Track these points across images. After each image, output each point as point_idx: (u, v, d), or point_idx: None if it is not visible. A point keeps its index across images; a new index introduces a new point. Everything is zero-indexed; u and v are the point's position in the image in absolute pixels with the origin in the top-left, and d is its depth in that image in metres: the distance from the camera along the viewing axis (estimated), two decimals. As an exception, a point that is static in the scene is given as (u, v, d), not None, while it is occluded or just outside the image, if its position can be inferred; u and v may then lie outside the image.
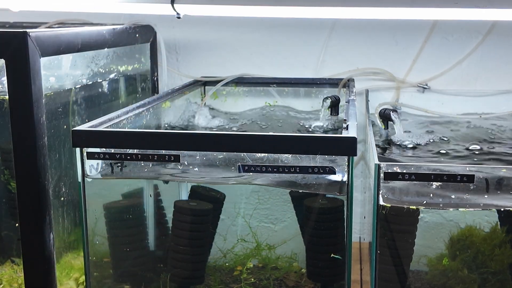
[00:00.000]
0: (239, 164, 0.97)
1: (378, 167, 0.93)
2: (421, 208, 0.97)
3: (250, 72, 1.62)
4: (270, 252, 1.20)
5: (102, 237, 1.14)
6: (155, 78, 1.61)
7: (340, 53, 1.61)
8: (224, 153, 0.98)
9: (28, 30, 1.04)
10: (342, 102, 1.37)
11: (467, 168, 0.92)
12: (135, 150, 0.99)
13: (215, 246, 1.20)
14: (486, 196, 0.93)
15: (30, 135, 1.06)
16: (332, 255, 1.03)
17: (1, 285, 1.25)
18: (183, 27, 1.66)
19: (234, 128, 1.43)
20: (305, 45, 1.62)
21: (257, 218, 1.19)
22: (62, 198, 1.20)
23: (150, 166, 1.03)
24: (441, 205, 0.95)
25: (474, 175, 0.92)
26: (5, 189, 1.31)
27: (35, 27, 1.49)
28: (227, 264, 1.22)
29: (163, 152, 0.98)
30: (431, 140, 1.25)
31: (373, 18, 1.51)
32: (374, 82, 1.59)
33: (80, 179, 1.02)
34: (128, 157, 1.00)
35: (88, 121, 1.06)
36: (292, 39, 1.62)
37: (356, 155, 0.94)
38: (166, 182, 1.18)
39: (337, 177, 0.96)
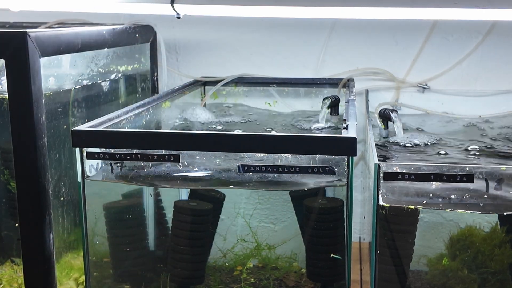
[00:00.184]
0: (239, 164, 0.97)
1: (378, 167, 0.93)
2: (421, 208, 0.97)
3: (250, 72, 1.62)
4: (270, 252, 1.20)
5: (102, 237, 1.14)
6: (155, 78, 1.61)
7: (340, 53, 1.61)
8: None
9: (28, 30, 1.04)
10: (342, 102, 1.37)
11: (467, 168, 0.92)
12: (135, 150, 0.99)
13: (215, 246, 1.20)
14: (486, 196, 0.93)
15: (30, 135, 1.06)
16: (332, 255, 1.03)
17: (1, 285, 1.25)
18: (183, 27, 1.66)
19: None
20: (305, 45, 1.62)
21: (257, 218, 1.19)
22: (62, 198, 1.20)
23: (150, 166, 1.03)
24: (441, 205, 0.95)
25: (474, 175, 0.92)
26: (5, 189, 1.31)
27: (35, 27, 1.49)
28: (227, 264, 1.22)
29: (163, 152, 0.98)
30: (431, 140, 1.25)
31: (373, 18, 1.51)
32: (374, 82, 1.59)
33: (80, 179, 1.02)
34: (128, 157, 1.00)
35: (88, 121, 1.06)
36: (292, 39, 1.62)
37: (356, 155, 0.94)
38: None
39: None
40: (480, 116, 1.50)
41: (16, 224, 1.11)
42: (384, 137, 1.27)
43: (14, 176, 1.09)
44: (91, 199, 1.05)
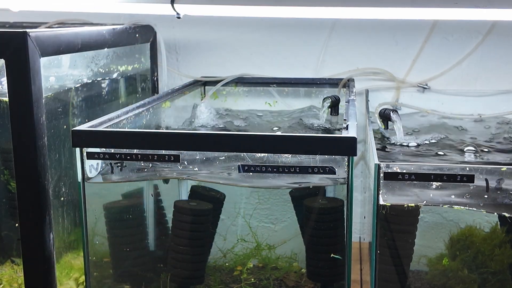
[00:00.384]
0: (239, 164, 0.97)
1: (378, 167, 0.93)
2: (421, 208, 0.97)
3: (250, 72, 1.62)
4: (270, 252, 1.20)
5: (102, 237, 1.14)
6: (155, 78, 1.61)
7: (340, 53, 1.61)
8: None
9: (28, 30, 1.04)
10: (342, 102, 1.37)
11: (467, 168, 0.92)
12: (135, 150, 0.99)
13: (215, 246, 1.20)
14: (486, 196, 0.93)
15: (30, 135, 1.06)
16: (332, 255, 1.03)
17: (1, 285, 1.25)
18: (183, 27, 1.66)
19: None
20: (305, 45, 1.62)
21: (257, 218, 1.19)
22: (62, 198, 1.20)
23: (150, 166, 1.03)
24: (441, 205, 0.95)
25: (474, 175, 0.92)
26: (5, 189, 1.31)
27: (35, 27, 1.49)
28: (227, 264, 1.22)
29: (163, 152, 0.98)
30: (431, 140, 1.25)
31: (373, 18, 1.51)
32: (374, 82, 1.59)
33: (80, 179, 1.02)
34: (128, 157, 1.00)
35: (88, 121, 1.06)
36: (292, 39, 1.62)
37: (356, 155, 0.94)
38: (166, 182, 1.18)
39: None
40: (480, 116, 1.51)
41: (16, 224, 1.11)
42: (384, 137, 1.27)
43: (14, 176, 1.08)
44: (91, 199, 1.05)
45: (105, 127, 1.05)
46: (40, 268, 1.11)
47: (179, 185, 1.20)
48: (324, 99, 1.37)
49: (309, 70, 1.63)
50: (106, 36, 1.31)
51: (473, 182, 0.92)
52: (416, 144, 1.22)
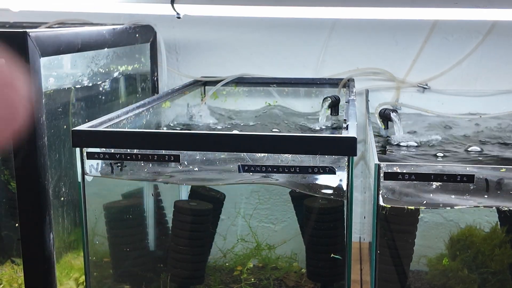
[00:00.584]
0: (239, 164, 0.97)
1: (378, 167, 0.93)
2: (421, 208, 0.97)
3: (250, 72, 1.62)
4: (270, 252, 1.20)
5: (102, 237, 1.14)
6: (155, 78, 1.61)
7: (340, 53, 1.61)
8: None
9: (28, 30, 1.04)
10: (342, 102, 1.37)
11: (467, 168, 0.92)
12: (135, 150, 0.99)
13: (215, 246, 1.20)
14: (486, 196, 0.93)
15: (30, 135, 1.06)
16: (332, 255, 1.03)
17: (1, 285, 1.25)
18: (183, 27, 1.66)
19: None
20: (305, 45, 1.62)
21: (257, 218, 1.19)
22: (62, 198, 1.20)
23: (150, 166, 1.03)
24: (441, 205, 0.95)
25: (474, 175, 0.92)
26: (5, 189, 1.31)
27: (35, 27, 1.49)
28: (227, 264, 1.22)
29: (163, 152, 0.98)
30: (431, 140, 1.25)
31: (373, 18, 1.51)
32: (374, 82, 1.59)
33: (80, 179, 1.02)
34: (128, 157, 1.00)
35: (88, 121, 1.06)
36: (292, 39, 1.62)
37: (356, 155, 0.94)
38: (166, 182, 1.18)
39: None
40: (480, 116, 1.51)
41: (16, 224, 1.11)
42: (384, 137, 1.27)
43: (14, 176, 1.08)
44: (91, 199, 1.05)
45: (105, 127, 1.05)
46: (40, 268, 1.11)
47: (179, 185, 1.20)
48: (324, 99, 1.37)
49: (309, 70, 1.63)
50: (106, 36, 1.31)
51: (473, 182, 0.92)
52: (416, 144, 1.22)
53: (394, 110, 1.31)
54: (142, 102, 1.26)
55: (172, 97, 1.41)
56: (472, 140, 1.28)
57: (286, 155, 0.96)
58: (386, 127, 1.30)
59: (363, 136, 1.50)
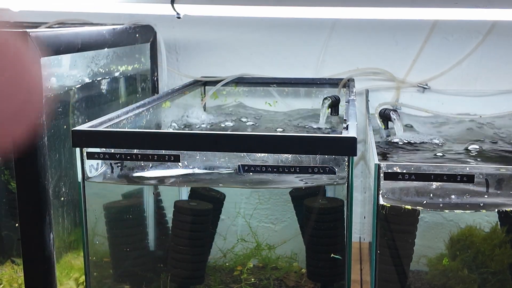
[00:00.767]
0: (239, 164, 0.97)
1: (378, 167, 0.93)
2: (421, 208, 0.97)
3: (250, 72, 1.62)
4: (270, 252, 1.20)
5: (102, 237, 1.14)
6: (155, 78, 1.61)
7: (340, 53, 1.61)
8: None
9: (28, 30, 1.04)
10: (342, 102, 1.37)
11: (467, 168, 0.92)
12: (135, 150, 0.99)
13: (215, 246, 1.20)
14: (486, 196, 0.93)
15: (30, 135, 1.06)
16: (332, 255, 1.03)
17: (1, 285, 1.25)
18: (183, 27, 1.66)
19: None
20: (305, 45, 1.62)
21: (257, 218, 1.19)
22: (62, 198, 1.20)
23: (150, 166, 1.03)
24: (441, 205, 0.95)
25: (474, 175, 0.92)
26: (5, 189, 1.31)
27: (35, 27, 1.49)
28: (227, 264, 1.22)
29: (163, 152, 0.98)
30: (431, 140, 1.25)
31: (373, 18, 1.51)
32: (374, 82, 1.59)
33: (80, 179, 1.02)
34: (128, 157, 1.00)
35: (88, 121, 1.06)
36: (292, 39, 1.62)
37: (356, 155, 0.94)
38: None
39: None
40: (480, 116, 1.50)
41: (16, 224, 1.11)
42: (384, 137, 1.27)
43: (14, 176, 1.08)
44: (91, 199, 1.05)
45: (105, 127, 1.05)
46: (40, 268, 1.11)
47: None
48: (324, 99, 1.37)
49: (309, 70, 1.63)
50: (106, 36, 1.31)
51: (473, 182, 0.92)
52: (416, 144, 1.21)
53: (394, 110, 1.31)
54: (142, 102, 1.26)
55: (172, 97, 1.41)
56: (472, 140, 1.28)
57: (286, 155, 0.96)
58: (386, 127, 1.30)
59: (363, 136, 1.50)
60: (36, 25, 1.52)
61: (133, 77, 1.52)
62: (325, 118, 1.37)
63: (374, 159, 0.96)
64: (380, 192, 0.94)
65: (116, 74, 1.42)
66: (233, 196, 1.17)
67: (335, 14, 1.51)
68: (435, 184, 0.94)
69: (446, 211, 0.96)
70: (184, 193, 1.21)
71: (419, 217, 1.03)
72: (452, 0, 1.39)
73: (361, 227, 1.58)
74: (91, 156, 1.01)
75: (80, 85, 1.26)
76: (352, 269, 1.01)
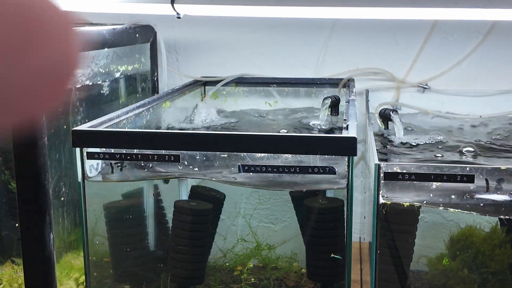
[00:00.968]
0: (239, 164, 0.97)
1: (378, 167, 0.93)
2: (421, 208, 0.97)
3: (250, 72, 1.62)
4: (270, 252, 1.20)
5: (102, 237, 1.14)
6: (155, 78, 1.61)
7: (340, 53, 1.61)
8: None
9: (28, 30, 1.03)
10: (342, 102, 1.37)
11: (467, 168, 0.92)
12: (135, 150, 0.99)
13: (215, 246, 1.20)
14: (486, 196, 0.93)
15: (30, 135, 1.06)
16: (332, 255, 1.03)
17: (1, 285, 1.25)
18: (183, 27, 1.66)
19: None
20: (305, 45, 1.62)
21: (257, 218, 1.19)
22: (62, 198, 1.20)
23: (150, 166, 1.03)
24: (441, 205, 0.95)
25: (474, 175, 0.92)
26: (5, 189, 1.31)
27: (35, 27, 1.49)
28: (227, 264, 1.22)
29: (163, 152, 0.98)
30: (431, 140, 1.25)
31: (373, 18, 1.51)
32: (374, 82, 1.59)
33: (80, 179, 1.02)
34: (128, 157, 1.00)
35: (88, 121, 1.06)
36: (292, 39, 1.62)
37: (356, 155, 0.94)
38: (167, 182, 1.18)
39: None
40: (480, 116, 1.50)
41: (16, 224, 1.11)
42: (384, 137, 1.27)
43: (14, 176, 1.08)
44: (91, 199, 1.05)
45: (105, 127, 1.05)
46: (40, 268, 1.11)
47: (179, 185, 1.20)
48: (324, 99, 1.37)
49: (309, 70, 1.63)
50: (106, 36, 1.31)
51: (473, 182, 0.92)
52: (416, 144, 1.22)
53: (394, 110, 1.31)
54: (142, 102, 1.26)
55: (172, 97, 1.41)
56: (472, 139, 1.28)
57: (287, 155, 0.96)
58: (386, 127, 1.30)
59: (363, 136, 1.50)
60: (36, 25, 1.52)
61: (133, 77, 1.52)
62: (325, 118, 1.37)
63: (374, 159, 0.96)
64: (380, 192, 0.94)
65: (116, 74, 1.42)
66: (233, 196, 1.18)
67: (335, 14, 1.51)
68: (435, 184, 0.94)
69: (449, 209, 0.96)
70: (184, 193, 1.21)
71: (419, 217, 1.03)
72: (452, 0, 1.39)
73: (361, 227, 1.58)
74: (91, 156, 1.01)
75: (80, 85, 1.26)
76: (352, 269, 1.01)
